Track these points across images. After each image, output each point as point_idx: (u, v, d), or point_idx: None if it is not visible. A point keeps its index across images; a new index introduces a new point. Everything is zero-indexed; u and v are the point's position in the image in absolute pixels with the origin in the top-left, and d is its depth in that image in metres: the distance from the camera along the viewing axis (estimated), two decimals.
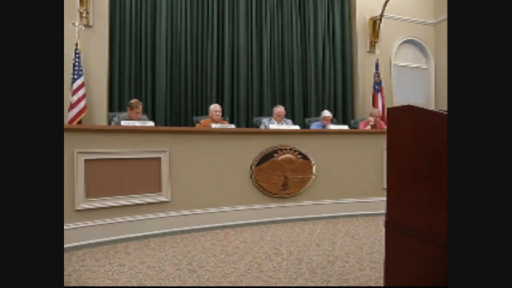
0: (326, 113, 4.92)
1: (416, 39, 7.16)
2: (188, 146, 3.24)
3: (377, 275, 2.18)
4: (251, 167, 3.46)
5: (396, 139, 1.36)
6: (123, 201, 2.94)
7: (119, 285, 2.06)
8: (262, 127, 4.55)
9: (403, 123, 1.31)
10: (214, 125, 3.73)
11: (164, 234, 3.08)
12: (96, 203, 2.83)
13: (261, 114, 5.71)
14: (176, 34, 5.43)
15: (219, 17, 5.68)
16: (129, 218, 2.97)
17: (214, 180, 3.34)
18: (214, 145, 3.35)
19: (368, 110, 6.10)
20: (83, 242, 2.74)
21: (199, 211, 3.27)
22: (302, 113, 6.09)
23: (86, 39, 4.75)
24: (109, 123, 4.20)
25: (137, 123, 3.23)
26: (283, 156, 3.56)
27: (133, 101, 3.96)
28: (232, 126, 3.76)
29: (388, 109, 1.39)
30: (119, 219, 2.93)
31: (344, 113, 6.44)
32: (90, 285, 2.06)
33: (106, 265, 2.37)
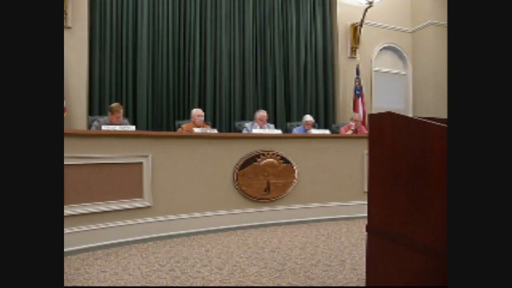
0: (308, 118, 4.98)
1: (395, 46, 7.34)
2: (170, 150, 3.21)
3: (358, 277, 2.21)
4: (233, 172, 3.46)
5: (377, 145, 1.40)
6: (103, 207, 2.89)
7: None
8: (244, 131, 4.56)
9: (383, 129, 1.34)
10: (196, 130, 3.72)
11: (146, 240, 3.04)
12: (76, 209, 2.76)
13: (243, 118, 5.73)
14: (157, 37, 5.39)
15: (201, 21, 5.68)
16: (110, 224, 2.91)
17: (197, 185, 3.33)
18: (197, 149, 3.33)
19: (349, 115, 6.20)
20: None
21: (181, 216, 3.24)
22: (284, 117, 6.14)
23: (65, 41, 4.65)
24: (89, 127, 4.13)
25: (118, 128, 3.19)
26: (266, 161, 3.58)
27: (114, 105, 3.90)
28: (215, 130, 3.75)
29: (369, 115, 1.42)
30: (99, 226, 2.87)
31: (326, 118, 6.52)
32: None
33: (85, 274, 2.32)
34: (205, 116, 4.69)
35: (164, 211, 3.17)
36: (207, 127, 4.32)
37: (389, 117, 1.32)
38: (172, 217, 3.20)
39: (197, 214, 3.31)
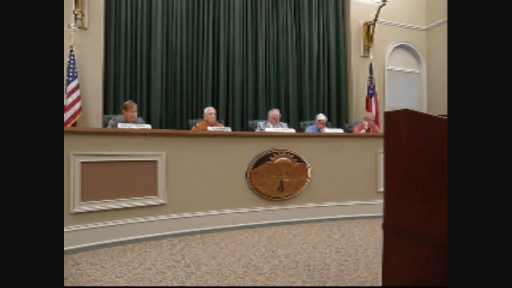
0: (321, 117, 4.97)
1: (409, 44, 7.26)
2: (185, 149, 3.25)
3: (373, 276, 2.21)
4: (247, 170, 3.48)
5: (393, 143, 1.39)
6: (119, 203, 2.94)
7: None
8: (257, 130, 4.58)
9: (400, 126, 1.34)
10: (210, 128, 3.75)
11: (161, 237, 3.08)
12: (92, 206, 2.82)
13: (256, 117, 5.74)
14: (171, 37, 5.44)
15: (214, 20, 5.72)
16: (125, 221, 2.96)
17: (211, 183, 3.35)
18: (211, 148, 3.36)
19: (362, 114, 6.17)
20: (78, 246, 2.73)
21: (195, 213, 3.28)
22: (297, 116, 6.14)
23: (81, 41, 4.75)
24: (105, 125, 4.20)
25: (134, 126, 3.24)
26: (279, 159, 3.59)
27: (127, 102, 3.98)
28: (229, 129, 3.78)
29: (386, 112, 1.42)
30: (115, 222, 2.92)
31: (339, 117, 6.50)
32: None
33: (102, 269, 2.37)
34: (218, 114, 4.73)
35: (178, 208, 3.21)
36: (221, 126, 4.35)
37: (405, 114, 1.31)
38: (186, 214, 3.23)
39: (211, 212, 3.34)
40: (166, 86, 5.39)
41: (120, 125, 3.23)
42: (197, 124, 4.44)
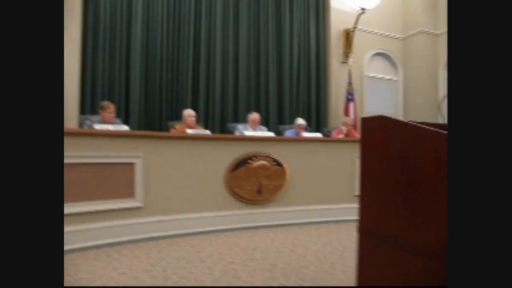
0: (300, 121, 5.02)
1: (386, 52, 7.45)
2: (163, 151, 3.21)
3: (349, 279, 2.24)
4: (226, 173, 3.47)
5: (369, 148, 1.43)
6: (95, 206, 2.87)
7: None
8: (237, 133, 4.58)
9: (376, 132, 1.38)
10: (189, 131, 3.72)
11: (137, 241, 3.03)
12: (67, 209, 2.74)
13: (235, 120, 5.75)
14: (151, 37, 5.38)
15: (195, 23, 5.70)
16: (100, 225, 2.90)
17: (189, 186, 3.33)
18: (189, 150, 3.34)
19: (340, 119, 6.27)
20: None
21: (173, 217, 3.24)
22: (276, 120, 6.18)
23: None
24: (81, 126, 4.10)
25: (111, 127, 3.18)
26: (258, 163, 3.60)
27: (104, 102, 3.92)
28: (208, 132, 3.76)
29: (362, 118, 1.45)
30: (90, 225, 2.85)
31: (318, 121, 6.58)
32: None
33: (75, 274, 2.30)
34: (197, 117, 4.70)
35: (156, 211, 3.17)
36: (200, 128, 4.32)
37: (381, 120, 1.35)
38: (163, 218, 3.19)
39: (188, 215, 3.31)
40: (145, 87, 5.32)
41: (96, 126, 3.16)
42: (176, 127, 4.40)
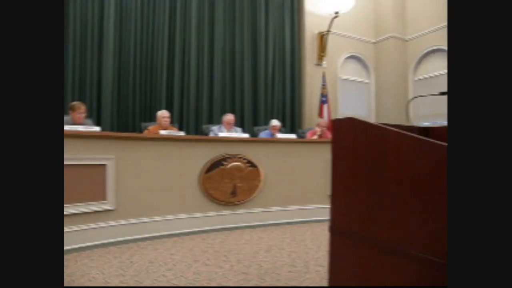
0: (275, 122, 5.06)
1: (359, 55, 7.62)
2: (135, 153, 3.16)
3: (322, 278, 2.27)
4: (200, 175, 3.45)
5: (340, 149, 1.46)
6: (64, 209, 2.78)
7: None
8: (211, 134, 4.56)
9: (346, 133, 1.41)
10: (162, 132, 3.68)
11: (109, 244, 2.96)
12: None
13: (210, 122, 5.72)
14: (124, 37, 5.28)
15: (170, 22, 5.63)
16: (71, 228, 2.81)
17: (162, 188, 3.28)
18: (163, 152, 3.30)
19: (315, 120, 6.36)
20: None
21: (146, 219, 3.19)
22: (251, 121, 6.20)
23: None
24: None
25: (81, 128, 3.09)
26: (232, 164, 3.59)
27: (75, 102, 3.81)
28: (182, 133, 3.73)
29: (333, 120, 1.48)
30: None
31: (292, 123, 6.64)
32: None
33: None
34: (172, 118, 4.64)
35: (128, 214, 3.11)
36: (174, 129, 4.28)
37: (351, 122, 1.38)
38: (136, 220, 3.14)
39: (162, 217, 3.27)
40: (118, 88, 5.21)
41: (66, 128, 3.07)
42: (150, 128, 4.33)
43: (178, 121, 5.55)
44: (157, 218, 3.24)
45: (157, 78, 5.48)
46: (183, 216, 3.38)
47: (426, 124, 7.21)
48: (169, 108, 5.37)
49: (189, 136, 3.60)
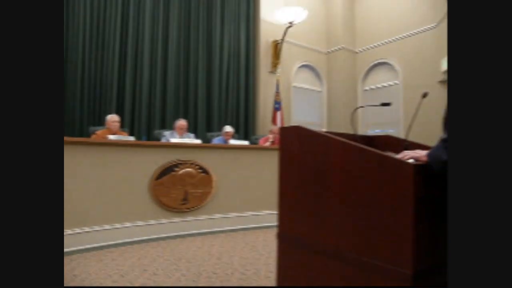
0: (228, 129, 5.06)
1: (312, 65, 7.86)
2: (81, 158, 3.01)
3: (272, 284, 2.29)
4: (150, 181, 3.36)
5: (286, 156, 1.49)
6: None
7: None
8: (163, 140, 4.47)
9: (293, 141, 1.44)
10: (111, 137, 3.54)
11: None
12: None
13: (163, 127, 5.60)
14: (72, 36, 5.03)
15: (122, 24, 5.46)
16: None
17: (111, 195, 3.15)
18: (111, 157, 3.17)
19: (268, 127, 6.44)
20: None
21: (92, 228, 3.04)
22: (204, 127, 6.15)
23: None
24: None
25: None
26: (184, 170, 3.54)
27: None
28: (132, 138, 3.61)
29: (280, 128, 1.52)
30: None
31: (246, 129, 6.68)
32: None
33: None
34: (122, 122, 4.49)
35: (73, 223, 2.94)
36: (124, 134, 4.13)
37: (297, 130, 1.42)
38: (81, 230, 2.98)
39: (109, 226, 3.13)
40: (65, 89, 4.94)
41: None
42: (98, 132, 4.15)
43: (129, 126, 5.37)
44: (104, 227, 3.10)
45: (107, 80, 5.27)
46: (132, 224, 3.26)
47: (376, 131, 7.59)
48: (119, 112, 5.19)
49: (139, 142, 3.50)
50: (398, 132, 7.06)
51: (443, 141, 1.09)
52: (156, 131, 4.98)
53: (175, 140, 3.98)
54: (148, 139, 5.36)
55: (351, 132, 1.93)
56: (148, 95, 5.63)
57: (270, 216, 4.05)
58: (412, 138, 1.74)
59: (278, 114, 6.57)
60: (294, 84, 7.54)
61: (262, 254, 2.98)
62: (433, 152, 1.12)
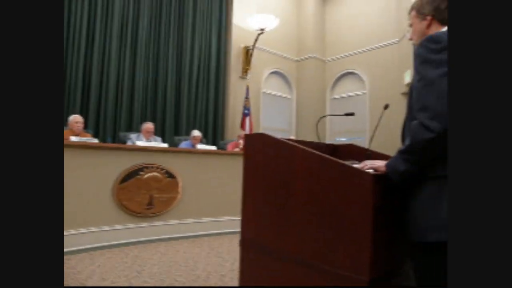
0: (196, 133, 5.02)
1: (282, 72, 7.96)
2: None
3: None
4: (114, 185, 3.26)
5: (251, 163, 1.50)
6: None
7: None
8: (129, 143, 4.36)
9: (257, 149, 1.45)
10: (73, 138, 3.42)
11: None
12: None
13: (130, 129, 5.46)
14: None
15: (89, 20, 5.29)
16: None
17: (71, 200, 3.02)
18: (73, 160, 3.05)
19: (237, 132, 6.44)
20: None
21: None
22: (173, 131, 6.06)
23: None
24: None
25: None
26: (149, 174, 3.47)
27: None
28: (95, 140, 3.50)
29: (245, 135, 1.52)
30: None
31: (215, 134, 6.65)
32: None
33: None
34: (86, 124, 4.34)
35: None
36: (88, 136, 4.00)
37: (262, 137, 1.43)
38: None
39: (67, 232, 3.01)
40: None
41: None
42: None
43: (94, 127, 5.19)
44: (71, 231, 2.97)
45: (71, 79, 5.08)
46: (93, 229, 3.15)
47: (343, 139, 7.78)
48: (84, 112, 5.02)
49: (103, 144, 3.40)
50: (364, 140, 7.27)
51: (401, 152, 1.13)
52: (122, 134, 4.86)
53: (141, 143, 3.89)
54: (114, 141, 5.22)
55: (318, 139, 1.96)
56: (115, 96, 5.48)
57: (236, 222, 4.03)
58: (376, 147, 1.80)
59: (247, 119, 6.59)
60: (264, 90, 7.60)
61: (227, 261, 2.96)
62: (391, 163, 1.16)
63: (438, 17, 1.25)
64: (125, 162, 3.35)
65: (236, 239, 3.73)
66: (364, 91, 7.52)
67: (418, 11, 1.31)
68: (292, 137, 7.07)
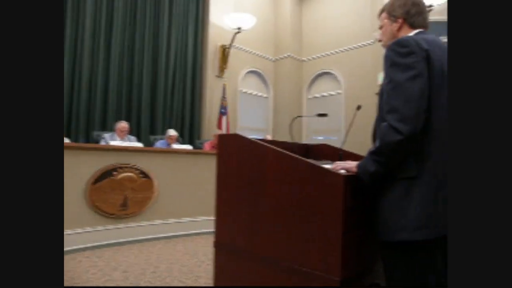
0: (171, 132, 4.95)
1: (259, 71, 7.96)
2: None
3: None
4: (86, 186, 3.18)
5: (224, 163, 1.49)
6: None
7: None
8: (103, 142, 4.26)
9: (230, 149, 1.45)
10: None
11: None
12: None
13: (104, 128, 5.33)
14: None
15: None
16: None
17: None
18: None
19: (213, 132, 6.40)
20: None
21: None
22: (148, 130, 5.95)
23: None
24: None
25: None
26: (123, 175, 3.39)
27: None
28: (67, 140, 3.40)
29: (218, 135, 1.51)
30: None
31: (191, 133, 6.58)
32: None
33: None
34: None
35: None
36: None
37: (236, 138, 1.42)
38: None
39: None
40: None
41: None
42: None
43: (66, 126, 5.03)
44: None
45: None
46: (65, 232, 3.05)
47: (319, 138, 7.87)
48: None
49: (75, 144, 3.31)
50: (340, 139, 7.38)
51: (371, 153, 1.15)
52: (95, 133, 4.73)
53: (115, 143, 3.81)
54: (87, 141, 5.08)
55: (291, 139, 1.97)
56: (88, 94, 5.32)
57: (212, 222, 4.00)
58: (351, 147, 1.82)
59: (224, 119, 6.57)
60: (241, 89, 7.58)
61: (202, 261, 2.94)
62: (362, 164, 1.18)
63: (409, 21, 1.29)
64: (98, 162, 3.26)
65: (212, 239, 3.72)
66: (340, 91, 7.63)
67: (389, 13, 1.34)
68: (269, 137, 7.10)
